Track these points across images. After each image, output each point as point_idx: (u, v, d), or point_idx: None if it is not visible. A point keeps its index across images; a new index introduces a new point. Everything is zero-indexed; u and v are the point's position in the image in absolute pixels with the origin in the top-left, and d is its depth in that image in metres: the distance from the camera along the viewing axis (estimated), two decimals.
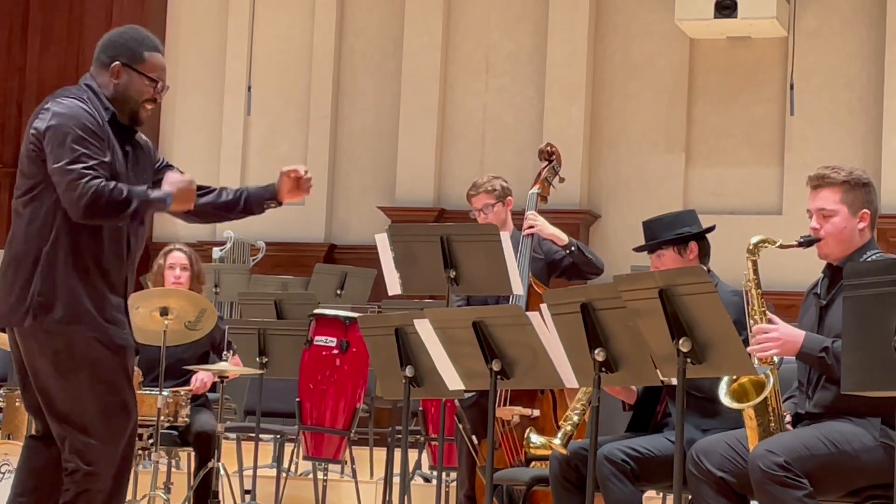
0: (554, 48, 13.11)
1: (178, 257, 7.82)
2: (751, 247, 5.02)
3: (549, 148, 7.19)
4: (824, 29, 12.62)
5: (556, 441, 5.49)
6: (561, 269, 6.99)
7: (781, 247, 5.02)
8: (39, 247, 4.89)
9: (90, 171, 4.81)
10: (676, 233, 5.63)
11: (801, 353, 4.90)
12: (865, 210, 5.04)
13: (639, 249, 5.73)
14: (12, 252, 4.94)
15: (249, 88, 13.83)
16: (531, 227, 6.80)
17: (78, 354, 4.87)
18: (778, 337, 4.88)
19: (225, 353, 7.67)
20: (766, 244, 5.02)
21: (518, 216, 7.06)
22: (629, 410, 5.73)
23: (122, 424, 4.93)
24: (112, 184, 4.83)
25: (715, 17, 12.23)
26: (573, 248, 6.86)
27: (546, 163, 7.14)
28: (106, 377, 4.90)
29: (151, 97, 5.07)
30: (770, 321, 4.95)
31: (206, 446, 7.49)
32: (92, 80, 5.03)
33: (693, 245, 5.63)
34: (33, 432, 5.10)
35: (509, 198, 7.02)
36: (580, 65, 13.03)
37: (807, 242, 5.04)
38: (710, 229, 5.70)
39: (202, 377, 7.71)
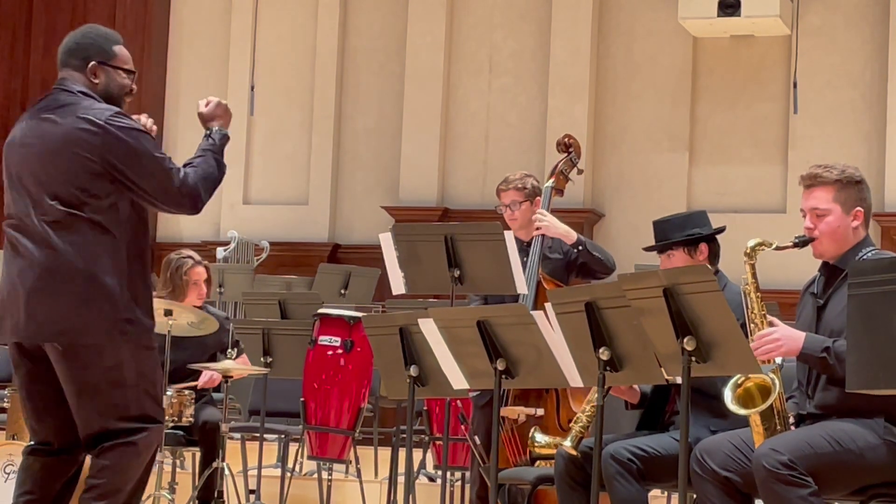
0: (557, 47, 13.11)
1: (202, 273, 7.75)
2: (748, 250, 5.02)
3: (566, 139, 7.04)
4: (827, 27, 12.61)
5: (567, 443, 5.47)
6: (576, 269, 6.91)
7: (778, 248, 5.02)
8: (114, 258, 4.84)
9: (179, 169, 4.92)
10: (687, 233, 5.62)
11: (802, 354, 4.91)
12: (859, 208, 5.04)
13: (649, 249, 5.71)
14: (73, 266, 4.81)
15: (253, 88, 13.84)
16: (538, 227, 6.72)
17: (140, 363, 4.94)
18: (778, 338, 4.88)
19: (229, 350, 7.66)
20: (763, 247, 5.02)
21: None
22: (632, 409, 5.73)
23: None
24: (197, 167, 4.97)
25: (718, 15, 12.24)
26: (580, 247, 6.79)
27: (564, 155, 7.03)
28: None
29: (130, 89, 5.07)
30: (770, 324, 4.95)
31: (211, 439, 7.47)
32: (75, 84, 4.96)
33: (703, 246, 5.61)
34: (34, 444, 5.06)
35: (538, 197, 6.91)
36: (583, 64, 13.03)
37: (802, 243, 5.04)
38: (721, 230, 5.69)
39: (211, 373, 7.69)
